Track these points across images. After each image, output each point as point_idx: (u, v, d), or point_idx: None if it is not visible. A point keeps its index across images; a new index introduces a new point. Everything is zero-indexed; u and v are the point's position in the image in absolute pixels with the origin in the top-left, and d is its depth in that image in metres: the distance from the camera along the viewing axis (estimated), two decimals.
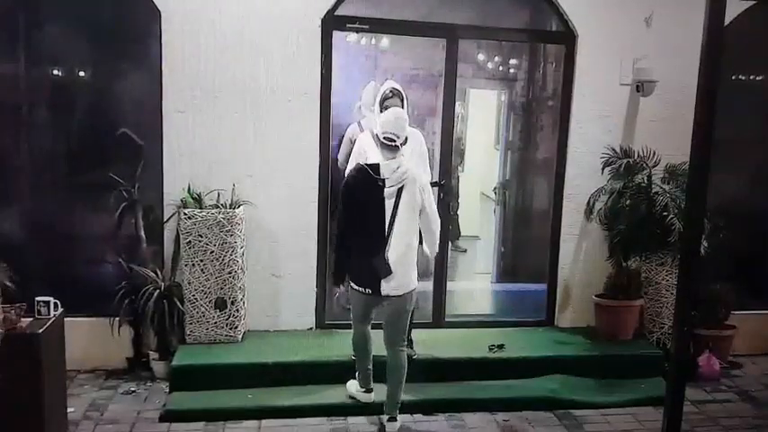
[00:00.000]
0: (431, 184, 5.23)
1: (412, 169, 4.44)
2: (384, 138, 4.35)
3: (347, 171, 4.78)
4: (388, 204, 4.36)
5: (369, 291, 4.45)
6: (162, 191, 5.41)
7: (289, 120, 5.49)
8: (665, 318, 5.74)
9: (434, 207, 4.56)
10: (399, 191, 4.35)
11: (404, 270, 4.42)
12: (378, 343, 4.80)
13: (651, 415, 4.91)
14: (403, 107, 4.75)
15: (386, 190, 4.34)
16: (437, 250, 4.75)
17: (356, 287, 4.52)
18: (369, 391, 4.80)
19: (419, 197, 4.41)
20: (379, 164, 4.39)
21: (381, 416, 4.67)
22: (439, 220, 4.61)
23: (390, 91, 4.81)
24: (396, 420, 4.61)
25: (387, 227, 4.36)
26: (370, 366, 4.78)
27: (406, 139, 4.47)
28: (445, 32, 5.77)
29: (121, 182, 5.32)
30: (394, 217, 4.37)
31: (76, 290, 5.30)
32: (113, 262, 5.48)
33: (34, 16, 5.34)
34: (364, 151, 4.76)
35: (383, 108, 4.69)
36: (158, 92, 5.33)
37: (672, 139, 5.67)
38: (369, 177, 4.36)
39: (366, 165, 4.45)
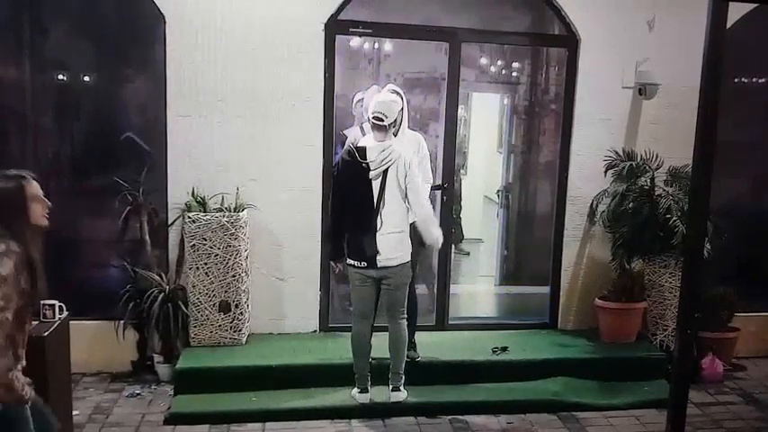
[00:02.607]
0: (434, 187, 5.28)
1: (397, 150, 4.58)
2: (373, 117, 4.56)
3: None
4: (375, 185, 4.58)
5: (364, 264, 4.62)
6: (166, 195, 5.43)
7: (292, 123, 5.51)
8: (668, 320, 5.74)
9: (418, 183, 4.62)
10: (385, 173, 4.56)
11: (394, 246, 4.61)
12: (377, 345, 4.84)
13: (654, 417, 4.91)
14: (402, 109, 4.80)
15: (371, 172, 4.57)
16: (436, 238, 4.74)
17: (352, 262, 4.67)
18: (365, 391, 4.85)
19: (402, 178, 4.57)
20: (365, 147, 4.60)
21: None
22: (425, 204, 4.68)
23: (391, 93, 4.85)
24: (400, 390, 4.82)
25: (375, 207, 4.58)
26: (368, 367, 4.84)
27: (396, 122, 4.64)
28: (448, 36, 5.79)
29: (126, 186, 5.34)
30: (381, 197, 4.58)
31: (82, 293, 5.33)
32: (118, 265, 5.51)
33: (39, 22, 5.37)
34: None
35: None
36: (163, 96, 5.35)
37: (674, 141, 5.68)
38: (356, 160, 4.59)
39: (354, 147, 4.64)
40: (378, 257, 4.59)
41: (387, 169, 4.56)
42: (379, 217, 4.59)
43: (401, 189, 4.60)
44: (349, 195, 4.68)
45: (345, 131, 5.45)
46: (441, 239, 4.80)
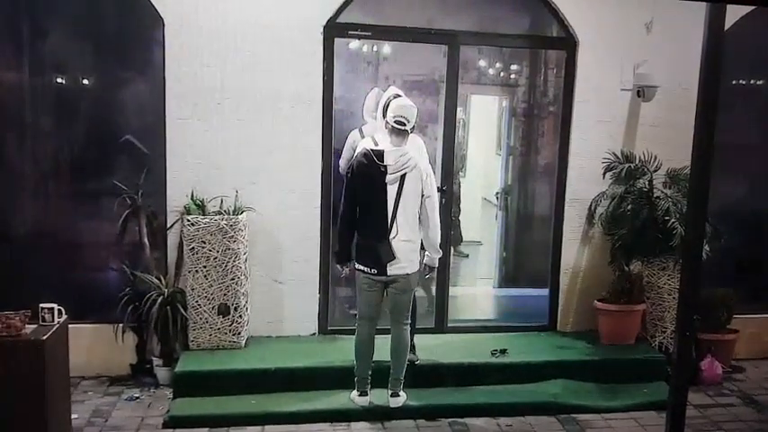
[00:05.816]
0: None
1: (415, 157, 4.58)
2: (395, 121, 4.54)
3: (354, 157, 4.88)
4: (391, 190, 4.56)
5: (374, 271, 4.61)
6: (165, 197, 5.43)
7: (291, 126, 5.51)
8: (667, 322, 5.75)
9: (436, 198, 4.71)
10: (402, 178, 4.54)
11: (407, 255, 4.62)
12: (376, 348, 4.84)
13: (654, 419, 4.92)
14: None
15: (388, 176, 4.54)
16: (438, 254, 4.83)
17: (362, 267, 4.66)
18: (364, 394, 4.85)
19: (421, 184, 4.58)
20: (383, 150, 4.56)
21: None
22: (438, 215, 4.74)
23: (393, 96, 4.86)
24: (399, 396, 4.83)
25: (390, 212, 4.56)
26: (370, 372, 4.85)
27: (413, 128, 4.66)
28: (447, 39, 5.79)
29: (125, 189, 5.35)
30: (397, 203, 4.56)
31: (80, 296, 5.34)
32: (117, 268, 5.51)
33: (38, 25, 5.37)
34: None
35: (385, 113, 4.74)
36: (162, 99, 5.35)
37: (673, 143, 5.69)
38: (373, 163, 4.56)
39: (372, 150, 4.59)
40: (389, 266, 4.59)
41: (404, 176, 4.55)
42: (394, 224, 4.58)
43: (417, 198, 4.59)
44: (363, 199, 4.64)
45: (350, 135, 5.45)
46: (437, 261, 4.87)
